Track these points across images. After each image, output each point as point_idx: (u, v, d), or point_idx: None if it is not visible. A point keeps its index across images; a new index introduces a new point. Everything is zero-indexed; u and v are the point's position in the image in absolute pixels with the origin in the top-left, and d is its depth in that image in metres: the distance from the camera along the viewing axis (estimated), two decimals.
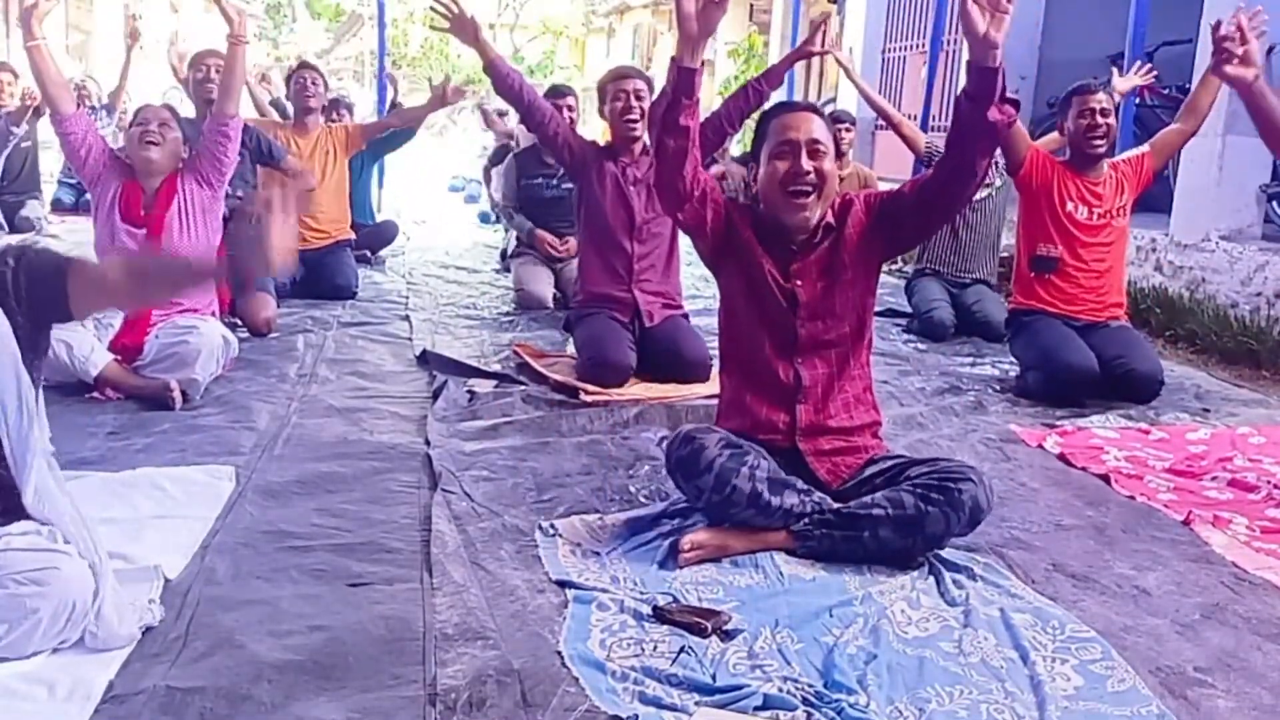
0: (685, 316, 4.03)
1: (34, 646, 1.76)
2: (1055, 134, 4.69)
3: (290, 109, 5.87)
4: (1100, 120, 3.83)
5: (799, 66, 12.03)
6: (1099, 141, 3.85)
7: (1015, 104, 2.31)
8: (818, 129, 2.40)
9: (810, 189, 2.39)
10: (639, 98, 3.86)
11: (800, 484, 2.34)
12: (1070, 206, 3.89)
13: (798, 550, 2.30)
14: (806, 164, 2.37)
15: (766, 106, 2.86)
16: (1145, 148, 4.07)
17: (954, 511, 2.24)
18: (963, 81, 2.30)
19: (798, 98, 11.58)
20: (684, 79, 2.33)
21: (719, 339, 2.64)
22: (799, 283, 2.46)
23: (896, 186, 2.55)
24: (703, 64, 2.33)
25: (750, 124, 4.21)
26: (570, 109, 5.48)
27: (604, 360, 3.67)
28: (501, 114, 8.99)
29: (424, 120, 6.22)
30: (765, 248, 2.48)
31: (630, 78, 3.95)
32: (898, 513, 2.24)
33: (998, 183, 5.08)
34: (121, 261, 1.93)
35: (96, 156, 3.65)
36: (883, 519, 2.25)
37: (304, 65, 5.91)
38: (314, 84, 5.52)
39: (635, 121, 3.85)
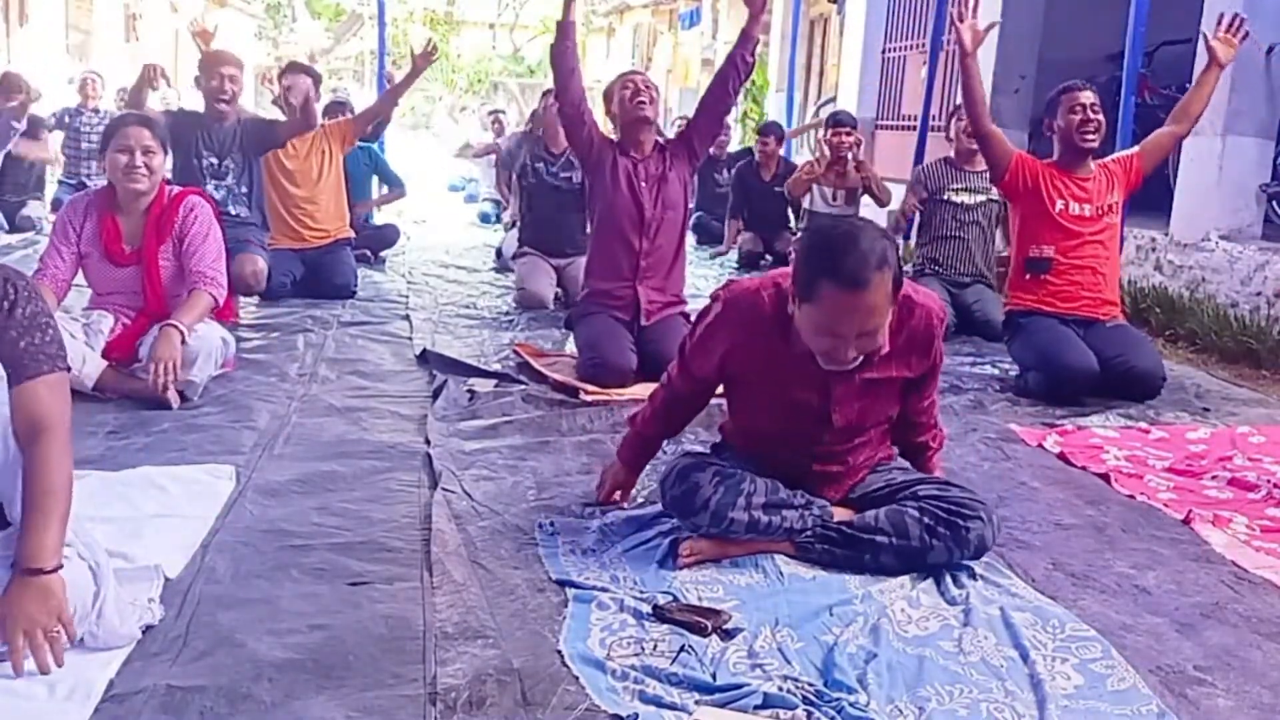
0: (685, 315, 4.04)
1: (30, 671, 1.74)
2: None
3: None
4: (1092, 115, 3.87)
5: (799, 67, 12.05)
6: (1091, 136, 3.88)
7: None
8: (874, 312, 2.04)
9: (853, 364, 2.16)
10: (646, 86, 3.98)
11: (799, 498, 2.31)
12: (1060, 205, 3.92)
13: (798, 558, 2.29)
14: (853, 353, 2.11)
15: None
16: (1135, 149, 4.13)
17: (959, 547, 2.24)
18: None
19: (797, 98, 11.57)
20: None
21: (727, 406, 2.52)
22: (836, 407, 2.28)
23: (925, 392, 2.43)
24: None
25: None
26: None
27: (604, 362, 3.68)
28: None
29: (403, 95, 6.19)
30: (793, 368, 2.23)
31: (637, 73, 4.12)
32: (901, 543, 2.23)
33: (993, 192, 5.09)
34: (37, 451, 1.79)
35: (75, 253, 3.49)
36: (885, 546, 2.24)
37: (294, 68, 5.67)
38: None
39: (644, 103, 3.93)
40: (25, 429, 1.79)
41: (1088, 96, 3.89)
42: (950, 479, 2.48)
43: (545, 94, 5.74)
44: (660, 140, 4.06)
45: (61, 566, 1.76)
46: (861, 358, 2.14)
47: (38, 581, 1.72)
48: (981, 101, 4.04)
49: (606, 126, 4.18)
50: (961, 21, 3.96)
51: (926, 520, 2.23)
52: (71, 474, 1.83)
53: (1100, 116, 3.91)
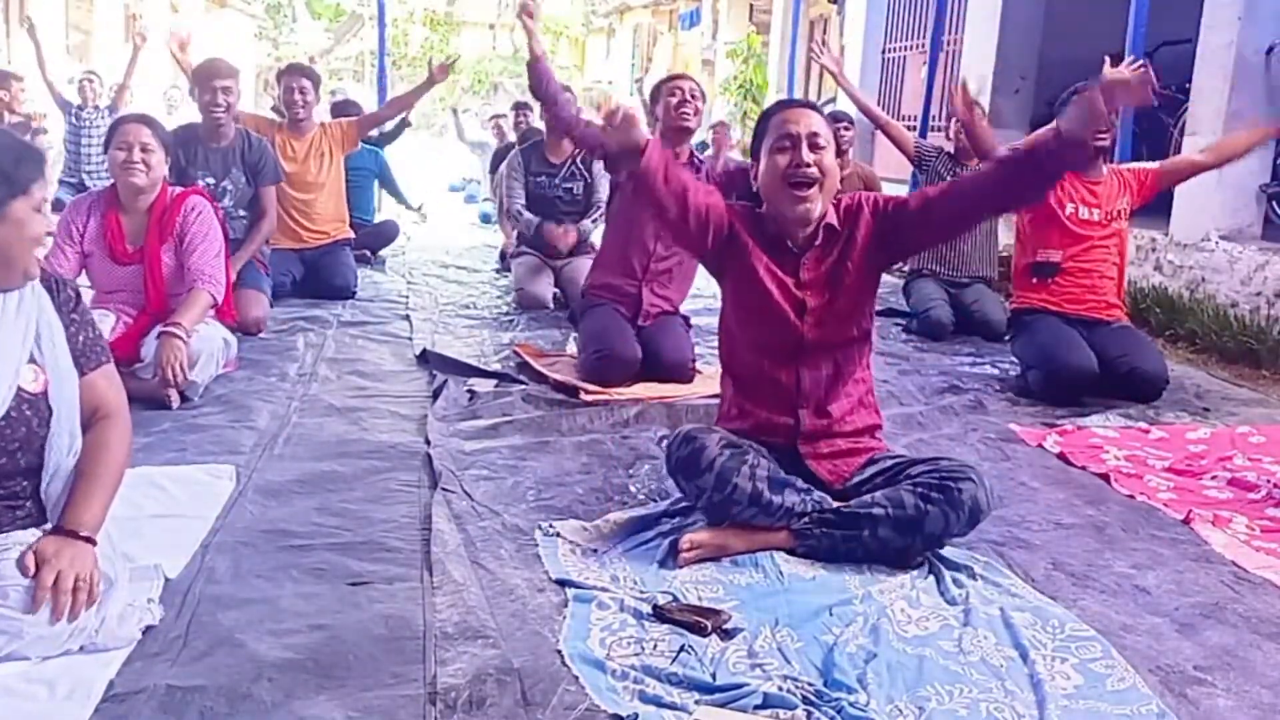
0: (684, 319, 4.04)
1: (35, 653, 1.75)
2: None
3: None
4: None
5: (798, 67, 12.05)
6: (1103, 135, 3.88)
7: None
8: (817, 124, 2.41)
9: (812, 181, 2.38)
10: (694, 95, 3.93)
11: (800, 483, 2.35)
12: (1070, 209, 3.92)
13: (798, 549, 2.30)
14: (808, 156, 2.37)
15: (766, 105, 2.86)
16: (1156, 165, 4.08)
17: (953, 511, 2.24)
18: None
19: (798, 98, 11.57)
20: (642, 181, 2.39)
21: (719, 343, 2.63)
22: (809, 292, 2.45)
23: (903, 194, 2.54)
24: (647, 144, 2.36)
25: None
26: None
27: (610, 353, 3.66)
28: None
29: (415, 105, 6.09)
30: (771, 254, 2.47)
31: (687, 79, 4.05)
32: (897, 512, 2.25)
33: None
34: (99, 448, 1.93)
35: (79, 252, 3.50)
36: (882, 518, 2.25)
37: (293, 70, 5.65)
38: (303, 93, 5.35)
39: (689, 114, 3.90)
40: (88, 416, 1.94)
41: None
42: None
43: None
44: (700, 160, 3.99)
45: (95, 542, 1.84)
46: (819, 170, 2.36)
47: (73, 544, 1.81)
48: (993, 150, 4.02)
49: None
50: (969, 110, 3.97)
51: (920, 490, 2.26)
52: (126, 461, 1.98)
53: (1112, 116, 3.93)
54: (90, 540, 1.83)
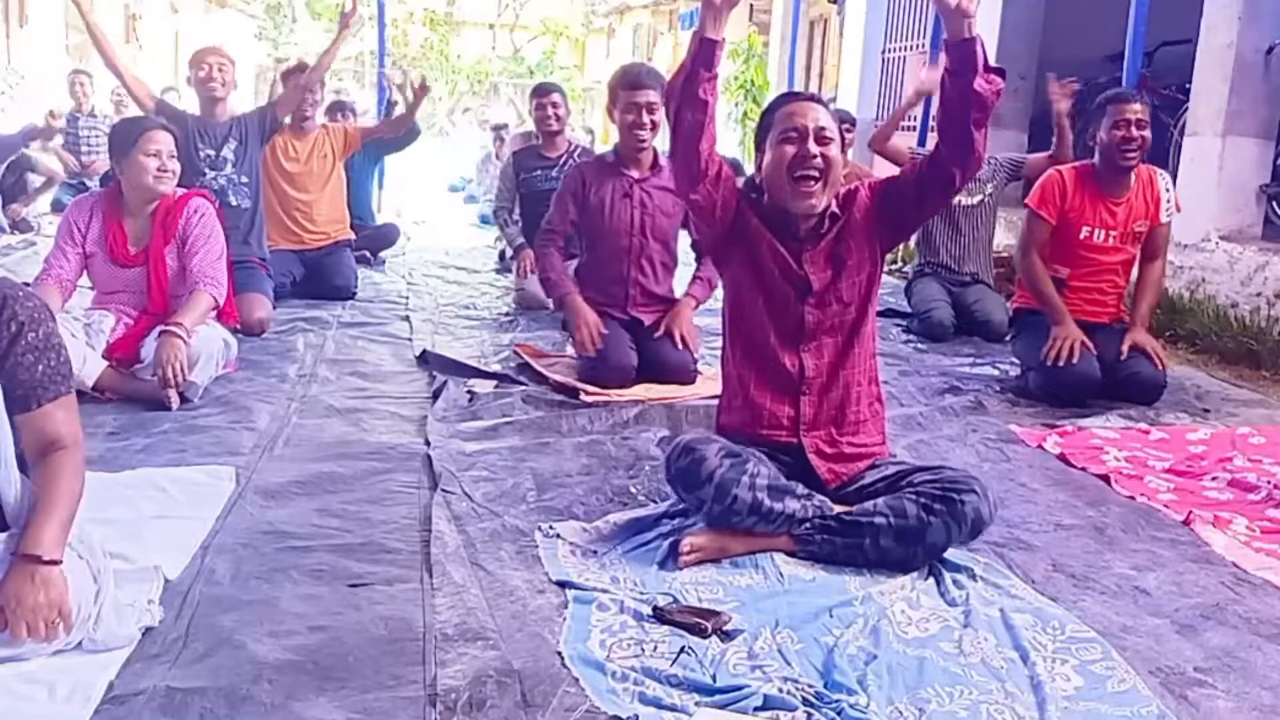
0: None
1: (34, 650, 1.76)
2: (1042, 156, 4.89)
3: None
4: (1135, 133, 3.71)
5: (799, 67, 12.04)
6: (1132, 155, 3.75)
7: (1001, 72, 2.28)
8: (824, 118, 2.41)
9: (817, 175, 2.37)
10: (650, 111, 3.70)
11: (800, 489, 2.33)
12: (1085, 232, 3.86)
13: (798, 553, 2.30)
14: (814, 149, 2.36)
15: (772, 98, 2.84)
16: (1166, 219, 3.94)
17: (956, 523, 2.24)
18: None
19: None
20: (704, 50, 2.27)
21: (723, 331, 2.62)
22: (812, 270, 2.45)
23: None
24: (723, 39, 2.28)
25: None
26: (555, 105, 5.46)
27: (605, 362, 3.66)
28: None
29: (413, 120, 6.13)
30: (775, 235, 2.47)
31: (644, 88, 3.71)
32: (899, 522, 2.24)
33: (988, 189, 5.08)
34: (56, 478, 1.84)
35: (81, 253, 3.51)
36: (884, 528, 2.24)
37: (302, 68, 5.72)
38: (310, 91, 5.40)
39: (644, 138, 3.76)
40: (40, 448, 1.85)
41: (1135, 111, 3.71)
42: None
43: (534, 94, 5.67)
44: (666, 163, 3.81)
45: (60, 562, 1.78)
46: (824, 163, 2.36)
47: (39, 571, 1.75)
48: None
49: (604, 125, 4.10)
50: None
51: (923, 500, 2.25)
52: (82, 487, 1.88)
53: (1145, 133, 3.72)
54: (54, 562, 1.76)
